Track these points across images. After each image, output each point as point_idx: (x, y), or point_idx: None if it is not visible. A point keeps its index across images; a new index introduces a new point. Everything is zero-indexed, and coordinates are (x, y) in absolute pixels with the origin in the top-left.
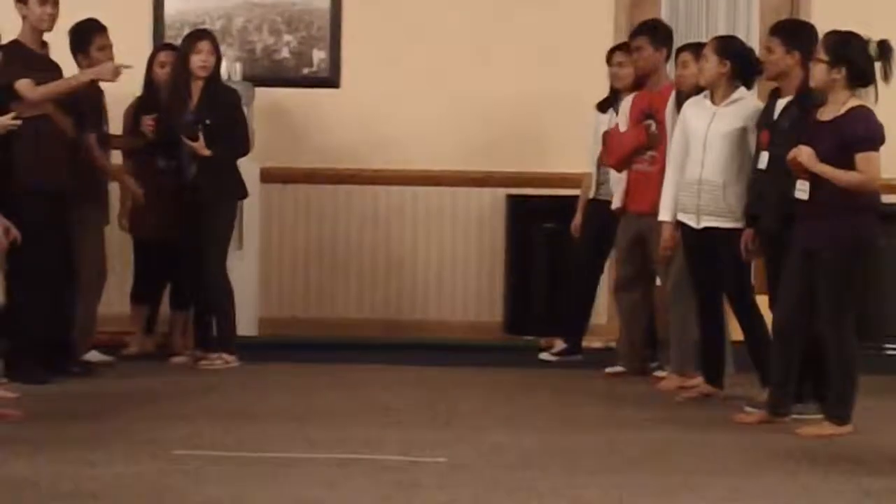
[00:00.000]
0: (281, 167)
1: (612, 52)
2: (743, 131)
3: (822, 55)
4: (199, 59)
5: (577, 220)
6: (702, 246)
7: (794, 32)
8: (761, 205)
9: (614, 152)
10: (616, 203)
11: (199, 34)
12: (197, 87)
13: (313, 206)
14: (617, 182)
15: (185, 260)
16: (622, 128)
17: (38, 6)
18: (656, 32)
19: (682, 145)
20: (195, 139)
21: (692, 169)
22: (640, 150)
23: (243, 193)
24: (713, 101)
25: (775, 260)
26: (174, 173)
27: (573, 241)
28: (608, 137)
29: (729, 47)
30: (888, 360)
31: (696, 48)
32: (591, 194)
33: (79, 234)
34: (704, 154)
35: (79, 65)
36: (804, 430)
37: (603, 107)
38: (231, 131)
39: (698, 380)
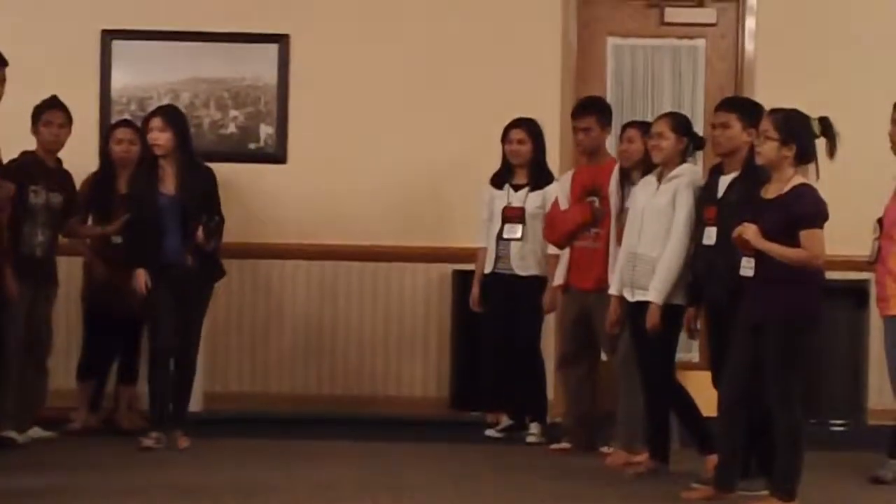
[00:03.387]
0: (227, 241)
1: (510, 127)
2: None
3: (772, 133)
4: (151, 138)
5: (475, 293)
6: (636, 319)
7: (749, 110)
8: (709, 278)
9: (557, 229)
10: (559, 280)
11: (152, 112)
12: (166, 165)
13: (260, 281)
14: (560, 259)
15: (141, 335)
16: (563, 204)
17: None
18: (603, 112)
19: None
20: (199, 235)
21: (629, 242)
22: (584, 227)
23: (223, 273)
24: (659, 177)
25: (720, 334)
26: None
27: (480, 318)
28: (549, 214)
29: (685, 124)
30: (833, 435)
31: (641, 125)
32: (489, 268)
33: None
34: (641, 228)
35: None
36: None
37: (497, 182)
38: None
39: (644, 455)
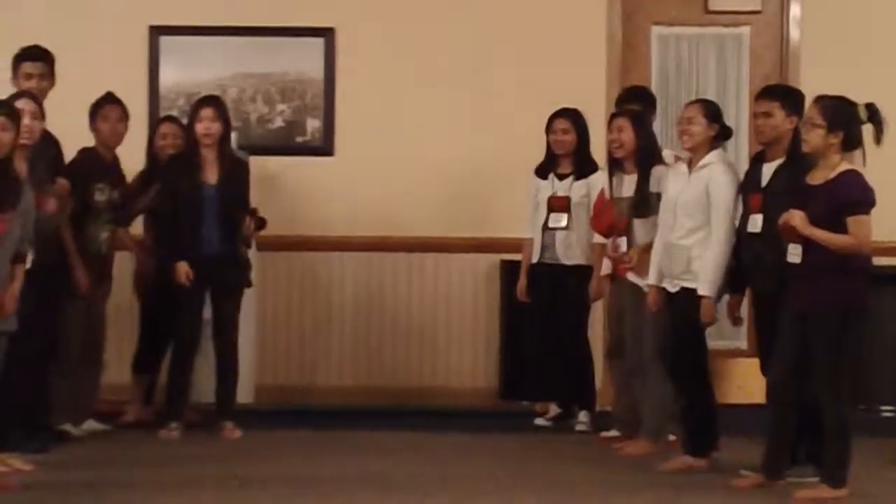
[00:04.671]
0: (275, 235)
1: (554, 118)
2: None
3: (818, 120)
4: (202, 128)
5: (522, 284)
6: (673, 309)
7: (790, 97)
8: (756, 266)
9: (604, 219)
10: (606, 269)
11: (202, 101)
12: (209, 155)
13: (308, 274)
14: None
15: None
16: (608, 194)
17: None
18: (648, 102)
19: (669, 205)
20: (249, 226)
21: (664, 233)
22: None
23: (250, 266)
24: (690, 165)
25: (768, 322)
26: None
27: (528, 308)
28: (596, 204)
29: (716, 111)
30: (882, 421)
31: (629, 114)
32: (536, 258)
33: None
34: (675, 218)
35: None
36: (800, 493)
37: (542, 172)
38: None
39: (702, 459)
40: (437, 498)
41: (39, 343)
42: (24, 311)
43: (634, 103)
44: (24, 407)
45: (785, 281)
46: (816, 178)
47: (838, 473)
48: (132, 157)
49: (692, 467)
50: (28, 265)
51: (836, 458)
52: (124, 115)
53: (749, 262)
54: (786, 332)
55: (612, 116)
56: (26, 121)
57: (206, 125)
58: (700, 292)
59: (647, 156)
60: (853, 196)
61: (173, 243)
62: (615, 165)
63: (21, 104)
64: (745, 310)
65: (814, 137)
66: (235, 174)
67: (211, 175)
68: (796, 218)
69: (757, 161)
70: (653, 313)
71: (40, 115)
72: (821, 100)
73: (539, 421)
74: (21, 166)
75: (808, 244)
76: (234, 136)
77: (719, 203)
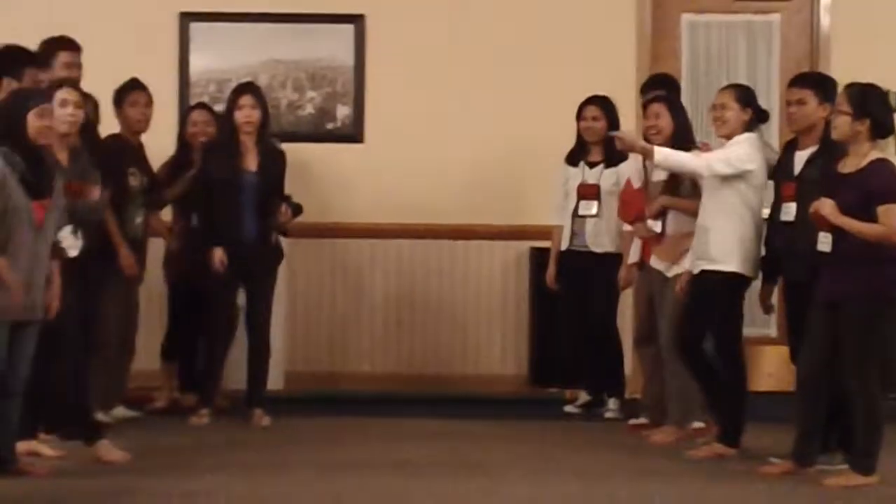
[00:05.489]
0: (305, 222)
1: (584, 105)
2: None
3: (845, 107)
4: (243, 115)
5: (552, 271)
6: (697, 289)
7: (823, 85)
8: (789, 255)
9: (631, 207)
10: (633, 258)
11: (241, 88)
12: (248, 142)
13: (338, 261)
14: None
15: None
16: (635, 182)
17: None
18: (675, 91)
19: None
20: (286, 213)
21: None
22: None
23: (283, 254)
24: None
25: (800, 311)
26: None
27: (557, 295)
28: (623, 193)
29: (749, 95)
30: None
31: (665, 100)
32: (565, 245)
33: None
34: (704, 200)
35: None
36: (830, 480)
37: (572, 160)
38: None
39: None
40: (466, 484)
41: (83, 333)
42: (66, 301)
43: (660, 90)
44: (69, 397)
45: (815, 271)
46: (847, 166)
47: (868, 461)
48: (161, 143)
49: (722, 455)
50: (76, 253)
51: (865, 446)
52: (150, 101)
53: (781, 251)
54: (816, 320)
55: (648, 102)
56: (69, 110)
57: (247, 112)
58: (655, 153)
59: (683, 141)
60: (883, 185)
61: (210, 229)
62: None
63: (64, 94)
64: (775, 298)
65: (841, 124)
66: (274, 162)
67: (251, 162)
68: (827, 207)
69: (789, 149)
70: (674, 298)
71: (83, 104)
72: (849, 87)
73: (568, 408)
74: (62, 155)
75: (838, 233)
76: None
77: (730, 148)
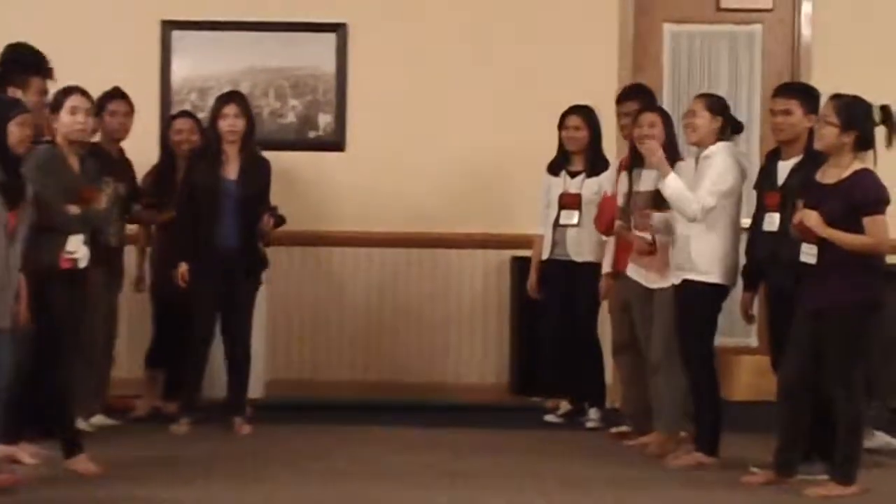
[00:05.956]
0: (286, 229)
1: (566, 114)
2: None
3: (832, 119)
4: (227, 124)
5: (533, 280)
6: (678, 300)
7: (808, 95)
8: (773, 265)
9: (603, 217)
10: (606, 267)
11: (225, 97)
12: (231, 151)
13: (319, 268)
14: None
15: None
16: (610, 191)
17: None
18: (649, 99)
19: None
20: (268, 223)
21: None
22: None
23: (267, 263)
24: (697, 160)
25: (782, 320)
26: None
27: (538, 304)
28: (602, 203)
29: (720, 104)
30: (891, 419)
31: (659, 111)
32: (547, 255)
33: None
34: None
35: None
36: (810, 490)
37: (554, 169)
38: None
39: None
40: (447, 493)
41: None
42: (62, 309)
43: (636, 100)
44: (56, 407)
45: (799, 279)
46: (829, 176)
47: (848, 471)
48: (143, 151)
49: (702, 463)
50: (86, 263)
51: (846, 456)
52: (131, 110)
53: (765, 260)
54: (798, 330)
55: (640, 112)
56: (79, 118)
57: (231, 122)
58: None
59: (672, 154)
60: (869, 196)
61: (187, 239)
62: (636, 160)
63: (75, 101)
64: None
65: (827, 135)
66: (257, 171)
67: (231, 170)
68: (813, 219)
69: (772, 159)
70: (660, 309)
71: (93, 111)
72: (836, 98)
73: (550, 417)
74: (72, 161)
75: (823, 244)
76: None
77: (708, 175)
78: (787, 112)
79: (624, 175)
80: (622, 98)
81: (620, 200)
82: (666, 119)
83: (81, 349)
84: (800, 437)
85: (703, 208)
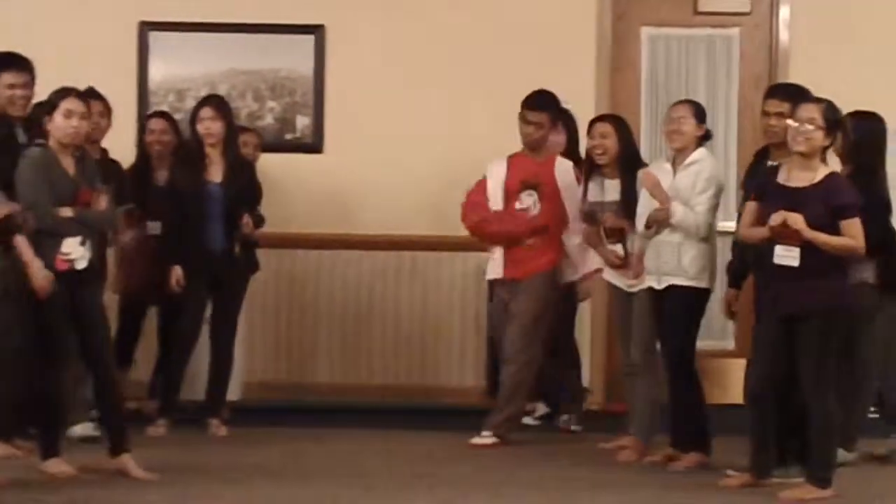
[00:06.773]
0: (264, 232)
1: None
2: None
3: (820, 122)
4: (202, 128)
5: None
6: (662, 306)
7: (802, 98)
8: (759, 265)
9: (487, 227)
10: (490, 275)
11: (202, 101)
12: (213, 154)
13: (297, 271)
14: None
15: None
16: (494, 191)
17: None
18: (555, 109)
19: (648, 209)
20: (248, 223)
21: (649, 231)
22: (519, 239)
23: (258, 266)
24: (674, 164)
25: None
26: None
27: None
28: (471, 196)
29: (703, 113)
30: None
31: (613, 119)
32: None
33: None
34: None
35: None
36: (786, 493)
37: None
38: (253, 208)
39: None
40: (424, 496)
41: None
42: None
43: (545, 111)
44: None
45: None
46: (799, 180)
47: (824, 474)
48: (119, 151)
49: (702, 463)
50: (85, 264)
51: (821, 459)
52: (107, 110)
53: (753, 261)
54: (769, 334)
55: (594, 122)
56: (73, 122)
57: (206, 125)
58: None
59: (632, 162)
60: (847, 199)
61: (175, 242)
62: (594, 170)
63: (69, 104)
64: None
65: (816, 138)
66: (240, 173)
67: (215, 174)
68: (799, 221)
69: (760, 160)
70: (639, 314)
71: (88, 115)
72: (819, 101)
73: (527, 420)
74: (68, 164)
75: (806, 247)
76: None
77: (700, 206)
78: (782, 115)
79: (592, 184)
80: (529, 106)
81: (585, 208)
82: (619, 127)
83: (71, 354)
84: (772, 440)
85: (707, 223)
